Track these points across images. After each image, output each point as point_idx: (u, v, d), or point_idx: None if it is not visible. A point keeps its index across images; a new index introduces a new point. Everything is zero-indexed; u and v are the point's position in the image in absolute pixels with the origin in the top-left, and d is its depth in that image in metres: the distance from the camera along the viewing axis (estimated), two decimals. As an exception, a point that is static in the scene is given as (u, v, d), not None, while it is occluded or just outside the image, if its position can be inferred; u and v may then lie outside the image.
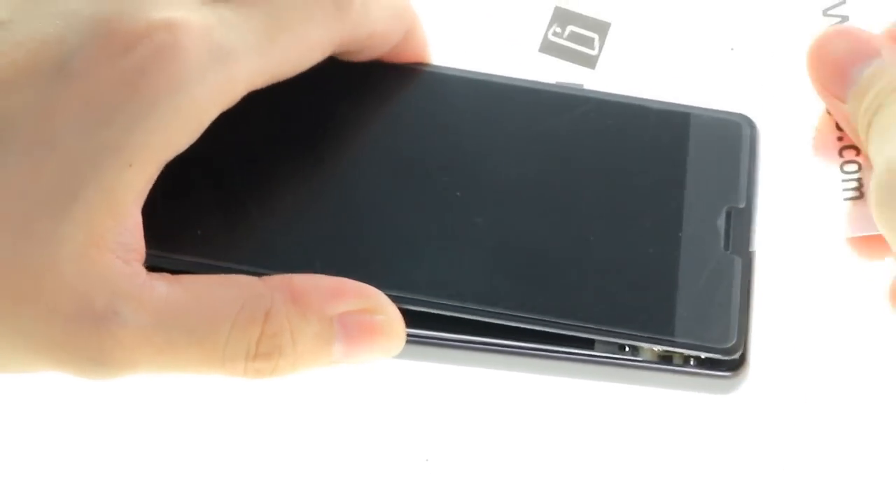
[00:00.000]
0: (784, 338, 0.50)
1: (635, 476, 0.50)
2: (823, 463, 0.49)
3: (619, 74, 0.49)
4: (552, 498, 0.50)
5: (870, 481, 0.50)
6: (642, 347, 0.41)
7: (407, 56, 0.43)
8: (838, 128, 0.42)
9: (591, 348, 0.41)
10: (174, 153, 0.37)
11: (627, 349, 0.41)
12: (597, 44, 0.48)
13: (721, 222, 0.42)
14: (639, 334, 0.40)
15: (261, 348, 0.37)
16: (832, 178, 0.42)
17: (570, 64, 0.48)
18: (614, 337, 0.40)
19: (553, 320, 0.40)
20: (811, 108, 0.44)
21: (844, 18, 0.44)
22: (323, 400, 0.52)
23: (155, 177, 0.37)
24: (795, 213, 0.42)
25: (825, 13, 0.44)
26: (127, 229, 0.37)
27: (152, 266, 0.38)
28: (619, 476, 0.50)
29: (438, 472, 0.51)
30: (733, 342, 0.40)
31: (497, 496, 0.51)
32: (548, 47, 0.48)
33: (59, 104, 0.36)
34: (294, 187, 0.42)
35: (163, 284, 0.37)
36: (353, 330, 0.38)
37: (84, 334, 0.36)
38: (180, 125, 0.37)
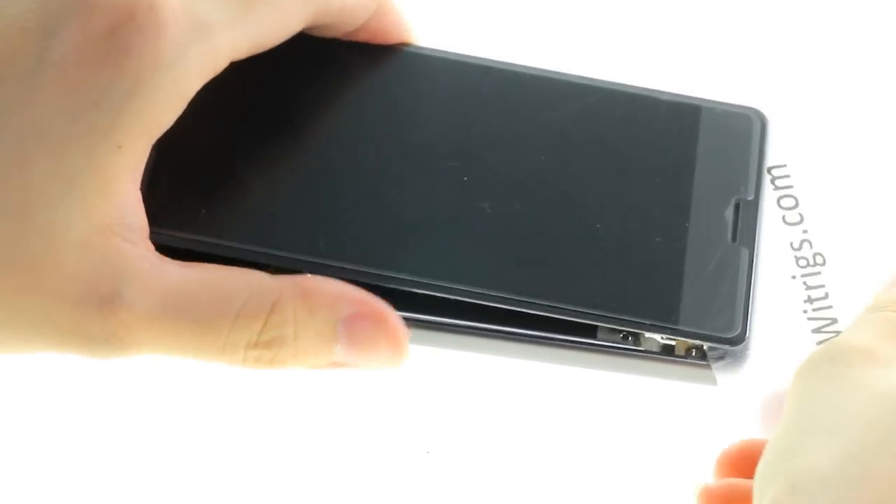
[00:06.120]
0: (786, 329, 0.50)
1: (637, 467, 0.50)
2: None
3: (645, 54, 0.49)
4: (553, 489, 0.50)
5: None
6: (645, 337, 0.41)
7: (386, 34, 0.43)
8: None
9: (594, 337, 0.41)
10: (162, 129, 0.38)
11: (630, 339, 0.41)
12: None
13: (729, 214, 0.42)
14: (644, 322, 0.40)
15: (262, 337, 0.37)
16: None
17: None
18: (619, 325, 0.40)
19: (558, 306, 0.40)
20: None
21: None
22: (323, 392, 0.52)
23: (146, 153, 0.38)
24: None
25: None
26: (128, 209, 0.37)
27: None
28: (620, 466, 0.50)
29: (439, 465, 0.51)
30: (738, 332, 0.40)
31: (498, 487, 0.50)
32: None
33: (44, 91, 0.36)
34: (299, 169, 0.42)
35: (174, 269, 0.37)
36: (356, 335, 0.38)
37: (89, 318, 0.36)
38: (166, 102, 0.37)
